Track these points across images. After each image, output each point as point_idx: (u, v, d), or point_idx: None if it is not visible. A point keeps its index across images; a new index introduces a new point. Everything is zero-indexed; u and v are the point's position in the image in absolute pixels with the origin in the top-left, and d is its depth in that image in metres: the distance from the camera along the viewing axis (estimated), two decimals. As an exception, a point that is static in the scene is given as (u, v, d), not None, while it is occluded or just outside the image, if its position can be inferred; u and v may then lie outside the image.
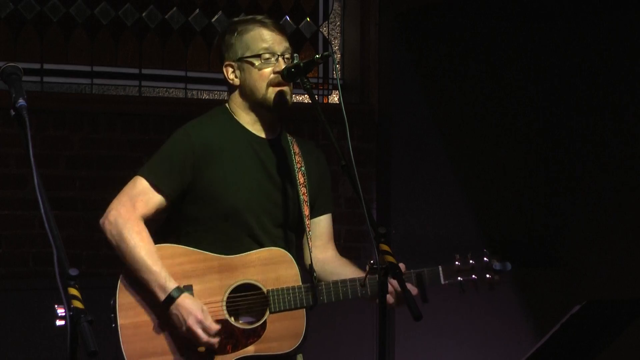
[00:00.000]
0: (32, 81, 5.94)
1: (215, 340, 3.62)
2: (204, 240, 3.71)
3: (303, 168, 3.83)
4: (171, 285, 3.62)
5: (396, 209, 6.43)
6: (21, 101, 2.94)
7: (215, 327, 3.61)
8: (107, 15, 6.13)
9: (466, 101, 6.61)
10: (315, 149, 3.94)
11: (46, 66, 6.03)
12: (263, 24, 3.77)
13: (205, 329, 3.60)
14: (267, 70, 3.74)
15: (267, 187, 3.76)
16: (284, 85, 3.74)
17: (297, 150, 3.85)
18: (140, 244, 3.64)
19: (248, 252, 3.70)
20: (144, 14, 6.22)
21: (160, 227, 3.79)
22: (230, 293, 3.67)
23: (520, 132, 6.75)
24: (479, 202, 6.60)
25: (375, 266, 3.36)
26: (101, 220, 3.72)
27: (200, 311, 3.60)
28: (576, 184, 6.65)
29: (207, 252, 3.69)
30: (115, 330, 3.64)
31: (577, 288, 6.31)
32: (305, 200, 3.81)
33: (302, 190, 3.81)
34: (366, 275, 3.56)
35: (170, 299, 3.61)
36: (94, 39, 6.11)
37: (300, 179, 3.81)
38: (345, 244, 4.06)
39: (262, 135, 3.80)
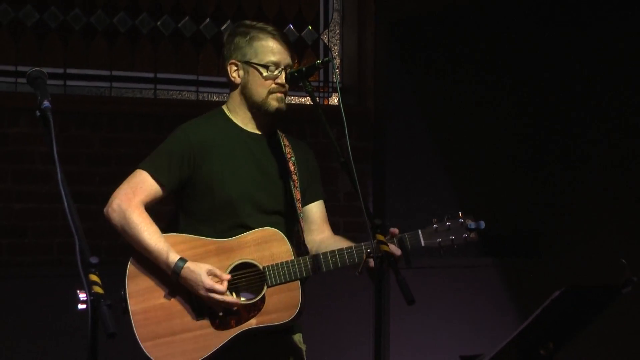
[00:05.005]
0: (56, 85, 5.94)
1: (229, 299, 3.61)
2: (201, 231, 3.72)
3: (293, 158, 3.85)
4: (173, 258, 3.62)
5: (390, 202, 6.42)
6: (46, 103, 2.95)
7: (224, 285, 3.59)
8: (125, 24, 6.13)
9: (456, 103, 6.60)
10: (304, 144, 3.97)
11: (69, 71, 6.03)
12: (274, 37, 3.79)
13: (215, 292, 3.59)
14: (270, 81, 3.76)
15: (260, 179, 3.78)
16: (282, 94, 3.77)
17: (287, 143, 3.88)
18: (142, 226, 3.66)
19: (242, 234, 3.70)
20: (158, 23, 6.22)
21: (167, 223, 3.79)
22: (229, 272, 3.67)
23: (507, 130, 6.74)
24: (468, 196, 6.60)
25: (371, 255, 3.37)
26: (105, 209, 3.74)
27: (206, 277, 3.59)
28: (559, 181, 6.64)
29: (205, 238, 3.70)
30: (128, 317, 3.64)
31: (559, 277, 6.30)
32: (296, 188, 3.81)
33: (293, 177, 3.82)
34: (363, 263, 3.56)
35: (175, 274, 3.61)
36: (112, 45, 6.11)
37: (291, 167, 3.83)
38: (344, 234, 4.08)
39: (256, 131, 3.82)
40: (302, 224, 3.82)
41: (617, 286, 3.58)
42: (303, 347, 3.85)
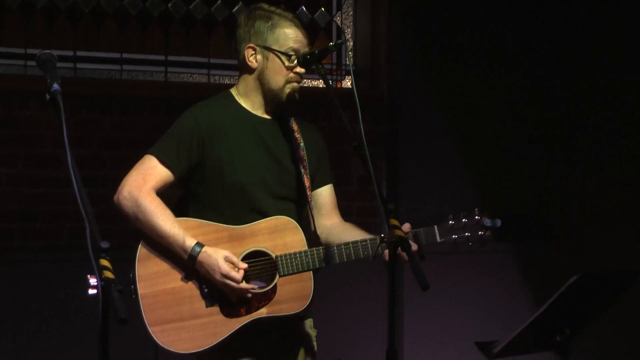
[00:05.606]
0: (66, 67, 5.93)
1: (244, 286, 3.58)
2: (210, 215, 3.70)
3: (302, 144, 3.81)
4: (190, 243, 3.60)
5: (404, 187, 6.41)
6: (56, 86, 2.93)
7: (240, 273, 3.57)
8: (135, 6, 6.12)
9: (469, 85, 6.59)
10: (313, 127, 3.93)
11: (79, 53, 6.02)
12: (296, 25, 3.76)
13: (232, 279, 3.57)
14: (289, 69, 3.73)
15: (269, 163, 3.75)
16: (298, 83, 3.75)
17: (296, 128, 3.84)
18: (156, 211, 3.63)
19: (256, 222, 3.68)
20: (169, 5, 6.20)
21: (174, 208, 3.75)
22: (241, 260, 3.64)
23: (522, 114, 6.72)
24: (481, 179, 6.58)
25: (385, 240, 3.35)
26: (115, 197, 3.71)
27: (223, 263, 3.57)
28: (573, 163, 6.63)
29: (218, 224, 3.68)
30: (136, 301, 3.62)
31: (575, 261, 6.28)
32: (306, 173, 3.78)
33: (304, 164, 3.79)
34: (377, 247, 3.55)
35: (192, 258, 3.59)
36: (123, 28, 6.10)
37: (301, 153, 3.80)
38: (357, 220, 4.06)
39: (265, 116, 3.79)
40: (312, 210, 3.79)
41: (634, 271, 3.57)
42: (313, 332, 3.84)
